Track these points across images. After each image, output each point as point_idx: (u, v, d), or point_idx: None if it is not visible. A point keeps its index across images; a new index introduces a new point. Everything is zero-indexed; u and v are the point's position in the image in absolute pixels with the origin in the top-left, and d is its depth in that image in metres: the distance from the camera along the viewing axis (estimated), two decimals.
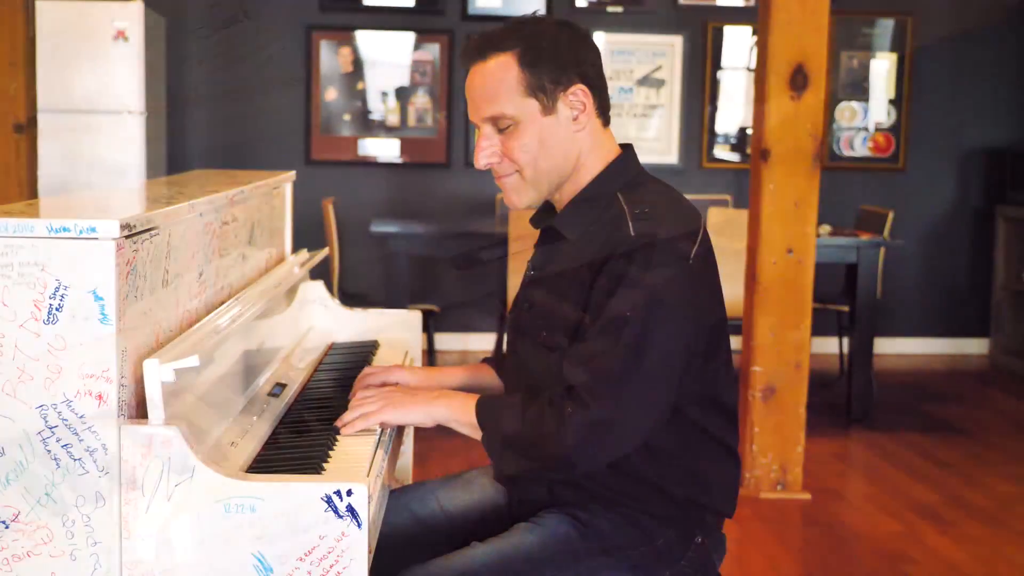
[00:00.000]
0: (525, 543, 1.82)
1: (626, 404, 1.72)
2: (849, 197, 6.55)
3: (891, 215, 5.55)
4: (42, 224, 1.51)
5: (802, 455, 4.10)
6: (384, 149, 6.52)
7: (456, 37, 6.46)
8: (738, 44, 6.70)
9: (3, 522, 1.55)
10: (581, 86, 1.86)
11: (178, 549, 1.53)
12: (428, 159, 6.55)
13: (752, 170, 4.09)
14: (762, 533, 3.77)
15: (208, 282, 2.00)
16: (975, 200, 6.87)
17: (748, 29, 6.64)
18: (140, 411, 1.58)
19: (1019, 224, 6.47)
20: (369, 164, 6.54)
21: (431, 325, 5.56)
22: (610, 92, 1.97)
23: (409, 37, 6.49)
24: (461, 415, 1.85)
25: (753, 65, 6.39)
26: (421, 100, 6.52)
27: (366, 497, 1.52)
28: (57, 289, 1.51)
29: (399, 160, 6.53)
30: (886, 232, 5.46)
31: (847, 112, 6.76)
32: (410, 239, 5.18)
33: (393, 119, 6.52)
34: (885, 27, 6.72)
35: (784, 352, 4.05)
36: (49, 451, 1.53)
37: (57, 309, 1.51)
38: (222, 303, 2.06)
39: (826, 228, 5.23)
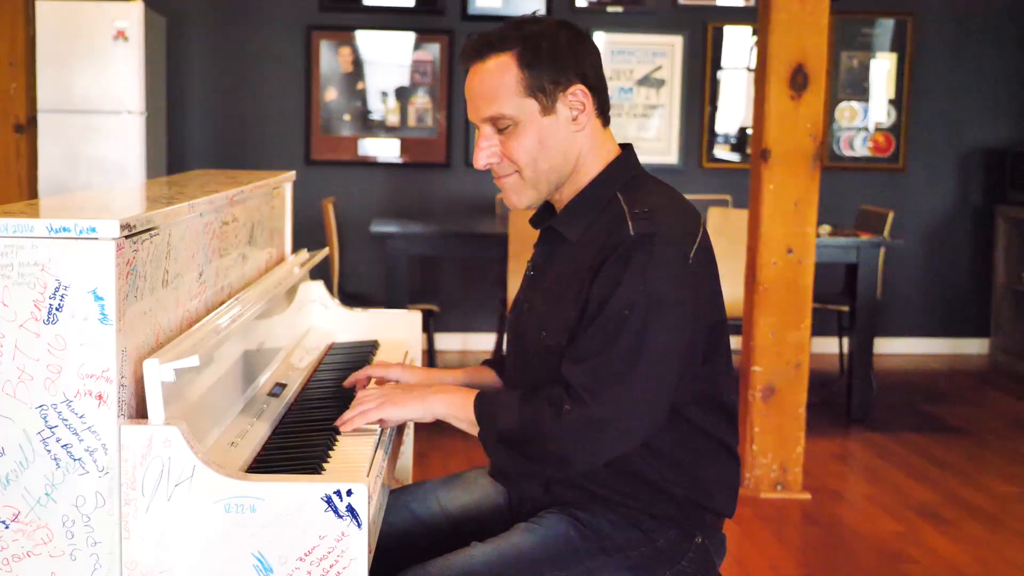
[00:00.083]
0: (525, 543, 1.82)
1: (624, 403, 1.72)
2: (849, 197, 6.56)
3: (891, 215, 5.55)
4: (42, 224, 1.51)
5: (802, 455, 4.10)
6: (384, 149, 6.52)
7: (456, 37, 6.46)
8: (738, 44, 6.70)
9: (3, 522, 1.55)
10: (581, 86, 1.86)
11: (178, 549, 1.53)
12: (428, 159, 6.55)
13: (752, 170, 4.09)
14: (762, 533, 3.77)
15: (208, 282, 2.00)
16: (975, 200, 6.87)
17: (748, 29, 6.64)
18: (140, 411, 1.58)
19: (1019, 224, 6.47)
20: (369, 164, 6.53)
21: (431, 325, 5.56)
22: (610, 92, 1.97)
23: (409, 37, 6.49)
24: (459, 410, 1.85)
25: (753, 65, 6.39)
26: (421, 100, 6.52)
27: (366, 497, 1.52)
28: (57, 289, 1.51)
29: (399, 160, 6.53)
30: (886, 232, 5.45)
31: (847, 112, 6.76)
32: (410, 239, 5.18)
33: (393, 119, 6.52)
34: (885, 27, 6.72)
35: (784, 352, 4.05)
36: (49, 451, 1.53)
37: (57, 309, 1.51)
38: (222, 303, 2.06)
39: (826, 228, 5.23)
